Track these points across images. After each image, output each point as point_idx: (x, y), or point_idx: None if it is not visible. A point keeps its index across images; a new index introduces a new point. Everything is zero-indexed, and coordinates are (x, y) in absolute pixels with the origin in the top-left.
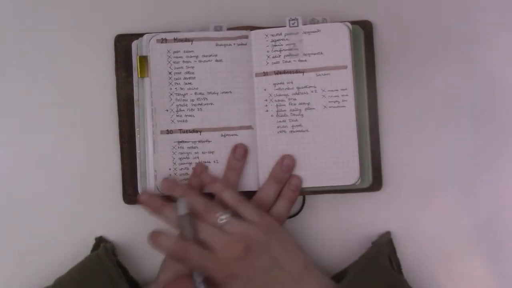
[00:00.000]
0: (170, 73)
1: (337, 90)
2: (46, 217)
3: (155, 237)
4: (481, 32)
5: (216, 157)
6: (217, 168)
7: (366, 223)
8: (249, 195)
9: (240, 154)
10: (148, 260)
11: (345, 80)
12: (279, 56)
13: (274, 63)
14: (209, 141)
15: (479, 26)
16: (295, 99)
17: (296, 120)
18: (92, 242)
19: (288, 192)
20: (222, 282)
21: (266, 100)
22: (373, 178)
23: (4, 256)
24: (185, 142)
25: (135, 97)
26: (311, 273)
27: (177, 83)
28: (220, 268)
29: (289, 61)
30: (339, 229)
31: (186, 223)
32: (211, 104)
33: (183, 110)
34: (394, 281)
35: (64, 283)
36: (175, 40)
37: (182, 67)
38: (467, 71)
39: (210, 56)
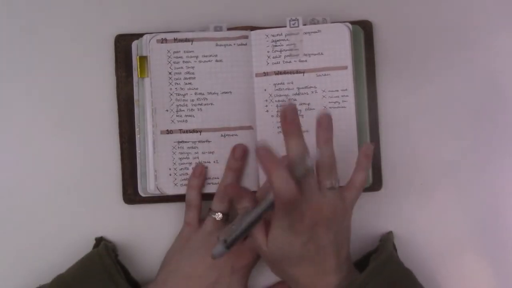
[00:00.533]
0: (170, 73)
1: (337, 90)
2: (46, 217)
3: (272, 168)
4: (481, 32)
5: (216, 157)
6: (217, 168)
7: (366, 223)
8: None
9: (239, 154)
10: (148, 260)
11: (345, 80)
12: (280, 56)
13: (275, 63)
14: (209, 141)
15: (479, 26)
16: (295, 100)
17: None
18: (92, 242)
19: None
20: (284, 227)
21: (266, 100)
22: (373, 178)
23: (4, 256)
24: (185, 142)
25: (135, 97)
26: (348, 264)
27: (177, 83)
28: (298, 219)
29: (290, 62)
30: None
31: (303, 167)
32: (211, 104)
33: (183, 110)
34: (408, 274)
35: (64, 279)
36: (175, 40)
37: (182, 67)
38: (467, 71)
39: (210, 56)
